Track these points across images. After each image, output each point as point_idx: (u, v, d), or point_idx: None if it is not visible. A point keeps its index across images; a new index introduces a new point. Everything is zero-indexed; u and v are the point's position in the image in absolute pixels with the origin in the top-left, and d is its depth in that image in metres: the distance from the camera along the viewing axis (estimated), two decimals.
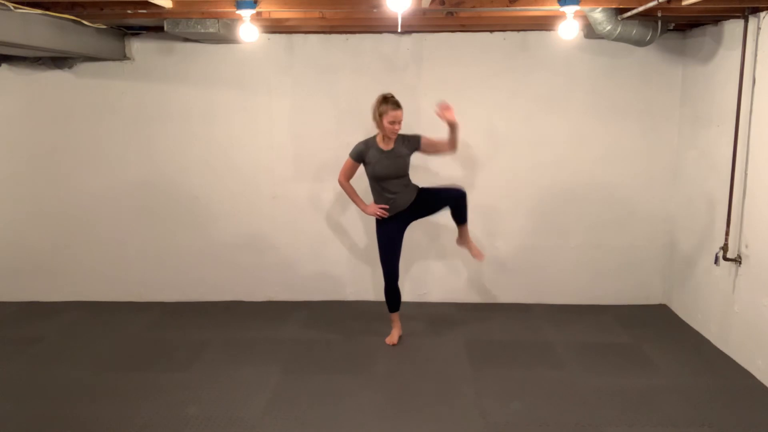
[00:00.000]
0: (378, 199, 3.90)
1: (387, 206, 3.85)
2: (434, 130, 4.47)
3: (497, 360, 3.86)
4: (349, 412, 3.23)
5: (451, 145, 3.78)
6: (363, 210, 3.96)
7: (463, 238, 4.12)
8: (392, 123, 3.71)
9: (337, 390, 3.47)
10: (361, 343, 4.11)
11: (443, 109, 3.65)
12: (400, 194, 3.84)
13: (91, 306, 4.85)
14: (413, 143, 3.85)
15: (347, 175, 3.93)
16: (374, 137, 3.85)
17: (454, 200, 3.94)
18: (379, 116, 3.73)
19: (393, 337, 4.11)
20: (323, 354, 3.97)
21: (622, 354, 3.94)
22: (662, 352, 3.95)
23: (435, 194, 3.97)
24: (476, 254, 4.13)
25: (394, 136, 3.79)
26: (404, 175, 3.85)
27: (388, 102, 3.71)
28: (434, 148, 3.88)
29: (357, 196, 3.97)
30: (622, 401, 3.33)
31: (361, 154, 3.84)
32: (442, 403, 3.33)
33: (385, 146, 3.81)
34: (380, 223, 3.95)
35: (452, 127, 3.68)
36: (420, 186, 3.95)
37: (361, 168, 3.90)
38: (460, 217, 4.00)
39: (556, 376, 3.64)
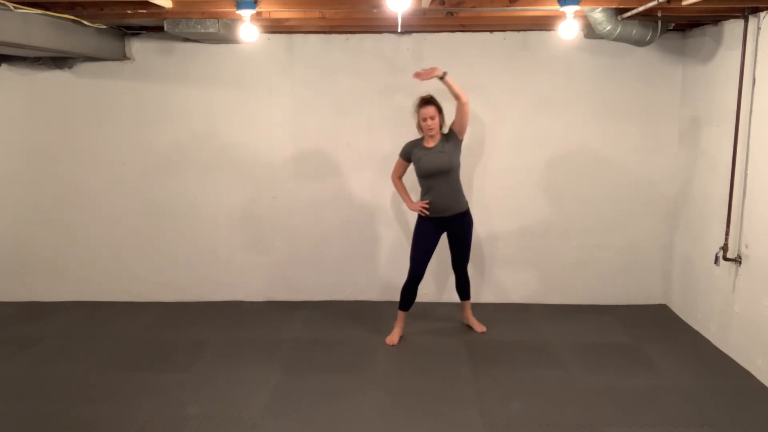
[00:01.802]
0: (424, 197, 3.96)
1: (428, 204, 3.90)
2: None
3: (497, 360, 3.86)
4: (349, 412, 3.23)
5: (456, 97, 3.72)
6: (408, 206, 4.05)
7: (466, 315, 4.36)
8: (423, 120, 3.81)
9: (337, 390, 3.47)
10: (361, 343, 4.11)
11: (420, 77, 3.67)
12: (444, 196, 3.89)
13: (91, 306, 4.85)
14: (451, 134, 3.90)
15: (398, 173, 4.07)
16: (421, 138, 3.94)
17: (458, 278, 4.22)
18: (417, 118, 3.87)
19: (393, 337, 4.11)
20: (323, 354, 3.97)
21: (622, 354, 3.94)
22: (662, 352, 3.95)
23: (466, 246, 4.09)
24: (478, 328, 4.32)
25: (431, 134, 3.84)
26: (448, 170, 3.86)
27: (419, 102, 3.84)
28: (458, 117, 3.82)
29: (406, 192, 4.09)
30: (623, 401, 3.33)
31: (407, 153, 3.96)
32: (442, 403, 3.33)
33: (429, 143, 3.88)
34: (419, 219, 4.01)
35: (442, 79, 3.68)
36: (469, 211, 4.02)
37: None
38: (463, 291, 4.30)
39: (556, 376, 3.64)
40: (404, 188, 4.09)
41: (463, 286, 4.27)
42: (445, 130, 3.92)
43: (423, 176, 3.91)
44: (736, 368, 3.71)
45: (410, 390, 3.48)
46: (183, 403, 3.32)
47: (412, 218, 4.19)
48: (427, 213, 3.91)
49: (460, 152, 3.90)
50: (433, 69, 3.66)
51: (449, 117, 3.88)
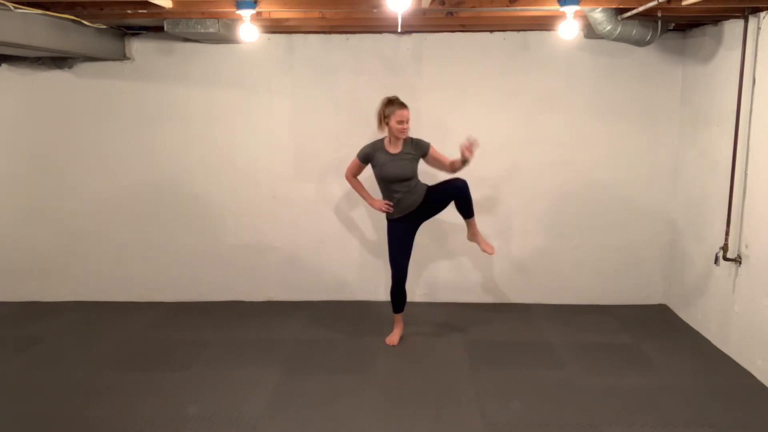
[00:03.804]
0: (385, 199, 3.92)
1: (392, 203, 3.87)
2: (434, 129, 4.47)
3: (497, 360, 3.86)
4: (349, 412, 3.23)
5: (453, 171, 3.82)
6: (370, 204, 4.00)
7: (471, 233, 4.03)
8: (400, 122, 3.73)
9: (337, 390, 3.47)
10: (361, 343, 4.11)
11: (468, 147, 3.64)
12: (407, 195, 3.85)
13: (91, 306, 4.85)
14: (422, 148, 3.86)
15: (353, 172, 3.99)
16: (381, 140, 3.87)
17: (456, 191, 3.85)
18: (385, 118, 3.77)
19: (393, 338, 4.11)
20: (323, 354, 3.97)
21: (622, 354, 3.94)
22: (662, 352, 3.95)
23: (441, 190, 3.91)
24: (485, 248, 4.01)
25: (403, 136, 3.80)
26: (411, 177, 3.85)
27: (393, 103, 3.75)
28: (437, 163, 3.89)
29: (364, 190, 4.03)
30: (622, 401, 3.33)
31: (367, 157, 3.88)
32: (442, 403, 3.33)
33: (393, 149, 3.83)
34: (390, 222, 3.97)
35: (465, 161, 3.70)
36: (427, 185, 3.94)
37: (369, 169, 3.92)
38: (466, 209, 3.91)
39: (556, 376, 3.64)
40: (362, 186, 4.02)
41: (460, 204, 3.90)
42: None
43: (385, 181, 3.86)
44: (736, 368, 3.71)
45: (410, 390, 3.48)
46: (183, 403, 3.32)
47: None
48: (391, 210, 3.88)
49: (418, 159, 3.90)
50: (473, 151, 3.65)
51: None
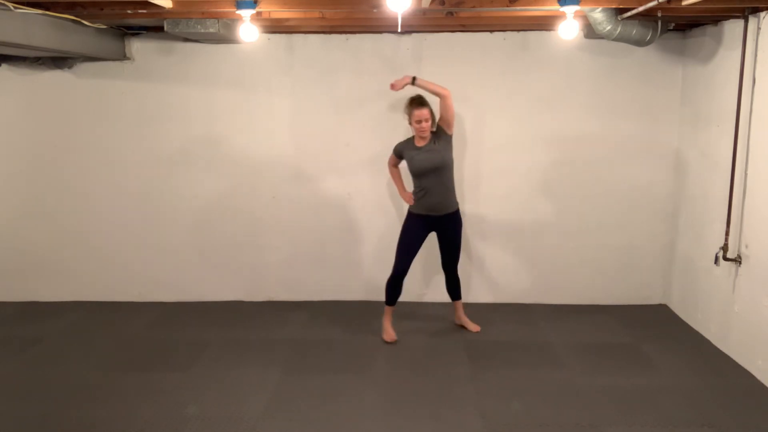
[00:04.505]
0: (417, 195, 4.00)
1: (416, 197, 3.97)
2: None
3: (497, 360, 3.86)
4: (349, 412, 3.23)
5: (436, 94, 3.81)
6: (400, 194, 4.16)
7: (458, 315, 4.36)
8: (418, 122, 3.82)
9: (337, 390, 3.47)
10: (361, 343, 4.11)
11: (394, 87, 3.85)
12: (436, 194, 3.92)
13: (91, 306, 4.85)
14: (439, 131, 3.93)
15: (392, 163, 4.16)
16: (413, 136, 3.98)
17: (452, 274, 4.23)
18: (408, 118, 3.89)
19: (390, 333, 4.12)
20: (323, 354, 3.97)
21: (622, 354, 3.94)
22: (662, 352, 3.95)
23: (453, 256, 4.15)
24: (473, 328, 4.32)
25: (424, 135, 3.87)
26: (440, 168, 3.88)
27: (413, 103, 3.85)
28: (443, 112, 3.86)
29: (399, 179, 4.19)
30: (622, 401, 3.33)
31: (399, 151, 4.04)
32: (442, 403, 3.33)
33: (420, 143, 3.92)
34: (409, 215, 4.06)
35: (415, 83, 3.80)
36: (461, 220, 4.07)
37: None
38: (454, 292, 4.31)
39: (556, 376, 3.64)
40: (399, 176, 4.18)
41: (454, 287, 4.29)
42: (433, 128, 3.94)
43: (416, 175, 3.94)
44: (736, 368, 3.71)
45: (410, 390, 3.48)
46: (183, 404, 3.32)
47: None
48: (413, 202, 3.99)
49: (451, 148, 3.93)
50: (403, 77, 3.81)
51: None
